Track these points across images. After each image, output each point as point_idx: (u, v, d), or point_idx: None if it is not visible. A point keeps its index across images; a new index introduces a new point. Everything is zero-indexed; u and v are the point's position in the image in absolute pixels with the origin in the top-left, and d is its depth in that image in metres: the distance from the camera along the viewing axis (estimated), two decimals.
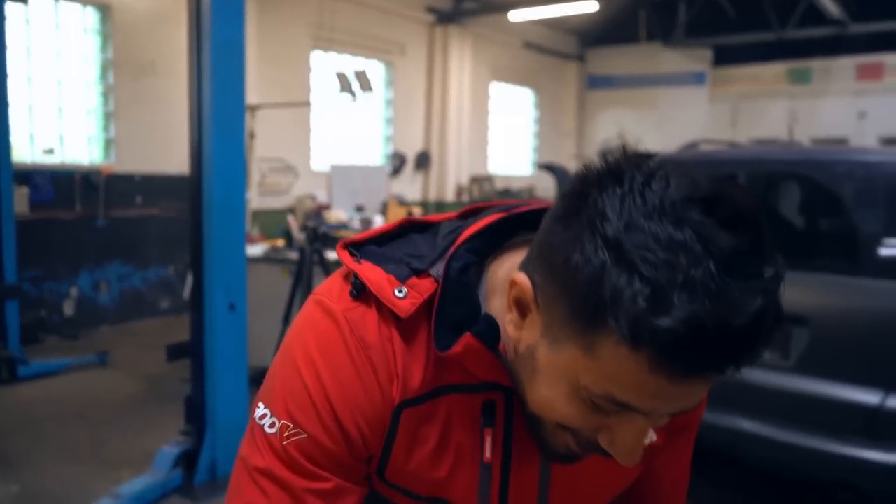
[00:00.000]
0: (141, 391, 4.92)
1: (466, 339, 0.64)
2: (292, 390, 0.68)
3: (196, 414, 3.48)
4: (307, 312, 0.72)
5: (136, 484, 3.25)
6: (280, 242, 5.77)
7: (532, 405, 0.63)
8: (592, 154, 11.79)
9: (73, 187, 6.29)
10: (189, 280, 3.61)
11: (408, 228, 0.75)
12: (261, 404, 0.70)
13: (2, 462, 3.65)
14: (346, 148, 9.58)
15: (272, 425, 0.68)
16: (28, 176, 5.89)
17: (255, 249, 5.29)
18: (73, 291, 6.44)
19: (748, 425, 2.80)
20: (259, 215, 7.15)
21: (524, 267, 0.62)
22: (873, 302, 2.62)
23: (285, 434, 0.67)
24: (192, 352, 3.53)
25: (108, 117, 6.70)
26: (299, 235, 5.62)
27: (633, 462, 0.61)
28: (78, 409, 4.47)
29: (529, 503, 0.75)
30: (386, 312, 0.68)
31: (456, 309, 0.67)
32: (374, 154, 10.17)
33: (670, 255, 0.49)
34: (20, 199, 5.63)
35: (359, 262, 0.70)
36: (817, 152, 3.12)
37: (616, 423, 0.59)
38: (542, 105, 12.91)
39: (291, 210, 8.05)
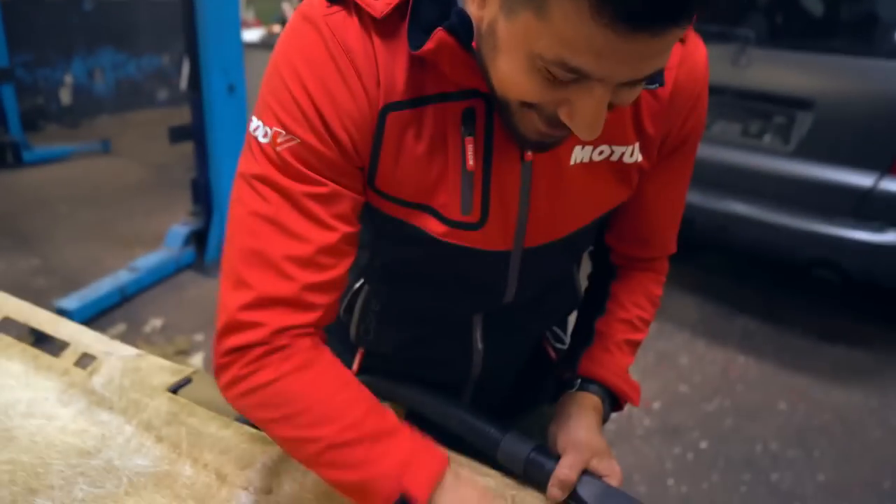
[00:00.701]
0: (147, 177, 4.99)
1: (438, 34, 0.63)
2: (281, 100, 0.68)
3: (203, 195, 3.56)
4: (290, 25, 0.71)
5: (152, 258, 3.41)
6: (276, 28, 5.56)
7: (495, 85, 0.63)
8: None
9: None
10: (185, 69, 3.51)
11: None
12: (254, 118, 0.71)
13: (19, 239, 3.80)
14: None
15: (265, 135, 0.69)
16: None
17: (251, 35, 5.10)
18: (68, 79, 6.29)
19: (741, 208, 2.88)
20: (253, 1, 6.80)
21: None
22: (884, 83, 2.57)
23: (278, 140, 0.68)
24: (194, 134, 3.53)
25: None
26: None
27: (594, 135, 0.61)
28: (87, 192, 4.57)
29: (510, 211, 0.76)
30: (365, 16, 0.67)
31: (431, 8, 0.65)
32: None
33: None
34: None
35: None
36: None
37: (575, 95, 0.58)
38: None
39: None
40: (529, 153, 0.73)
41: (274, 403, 0.72)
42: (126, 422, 0.93)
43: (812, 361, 2.92)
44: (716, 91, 2.96)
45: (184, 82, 3.70)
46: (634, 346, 0.97)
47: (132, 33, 6.67)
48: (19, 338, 1.13)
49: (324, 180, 0.70)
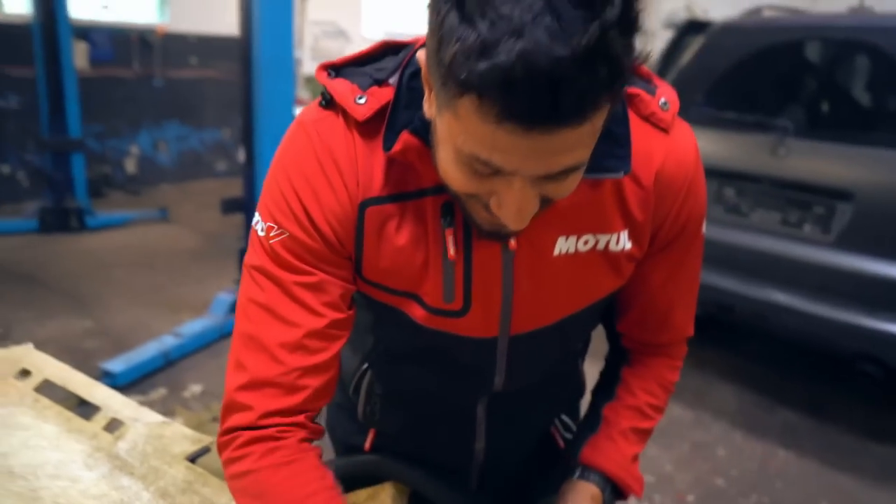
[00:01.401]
0: (200, 245, 5.18)
1: (404, 136, 0.70)
2: (274, 197, 0.76)
3: None
4: (287, 130, 0.80)
5: (196, 325, 3.52)
6: None
7: (440, 176, 0.69)
8: (656, 26, 11.16)
9: (130, 46, 6.37)
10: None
11: (386, 50, 0.80)
12: (256, 213, 0.79)
13: (76, 301, 3.97)
14: (401, 15, 9.32)
15: (262, 229, 0.77)
16: (86, 32, 5.97)
17: None
18: (135, 149, 6.66)
19: (781, 297, 2.84)
20: (311, 80, 7.14)
21: None
22: None
23: (271, 234, 0.76)
24: (244, 206, 3.69)
25: None
26: None
27: (520, 226, 0.65)
28: (142, 258, 4.77)
29: (493, 298, 0.79)
30: (350, 119, 0.75)
31: (405, 113, 0.72)
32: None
33: (510, 9, 0.51)
34: (80, 55, 5.74)
35: (332, 79, 0.76)
36: (885, 19, 2.95)
37: (499, 187, 0.63)
38: None
39: None
40: (513, 242, 0.76)
41: (251, 493, 0.76)
42: (144, 488, 0.98)
43: (857, 460, 2.80)
44: (754, 179, 3.00)
45: (241, 155, 3.91)
46: (642, 434, 0.97)
47: (197, 108, 7.06)
48: (65, 399, 1.20)
49: (312, 270, 0.76)
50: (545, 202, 0.65)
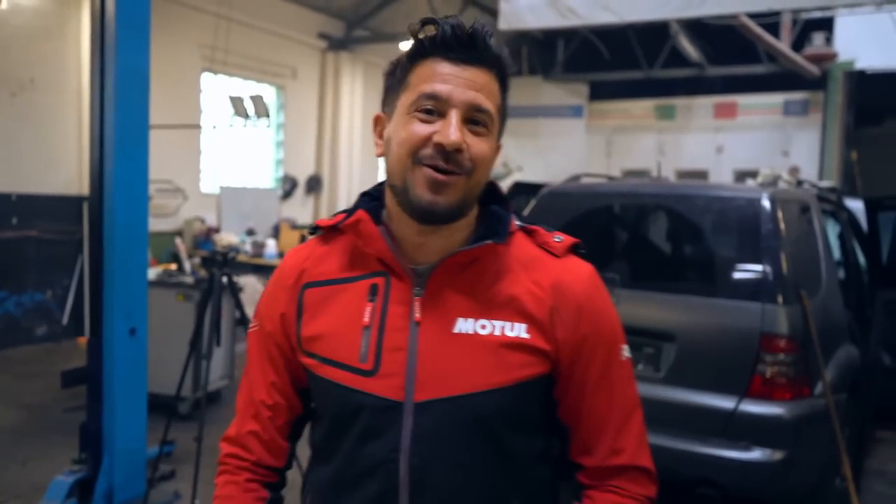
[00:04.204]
0: (22, 422, 4.69)
1: (359, 212, 0.99)
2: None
3: (92, 441, 3.41)
4: None
5: None
6: (173, 266, 5.69)
7: (394, 180, 0.96)
8: None
9: None
10: (69, 304, 3.51)
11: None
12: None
13: None
14: (236, 170, 9.48)
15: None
16: None
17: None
18: None
19: None
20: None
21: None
22: (728, 319, 3.01)
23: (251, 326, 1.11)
24: (89, 377, 3.46)
25: None
26: (189, 260, 5.56)
27: (454, 136, 0.90)
28: None
29: (399, 362, 0.95)
30: (320, 233, 1.07)
31: (363, 201, 1.04)
32: (265, 177, 10.12)
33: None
34: None
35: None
36: (681, 187, 3.54)
37: (440, 124, 0.92)
38: None
39: (179, 233, 7.89)
40: (418, 315, 0.96)
41: None
42: None
43: None
44: None
45: (66, 317, 3.68)
46: None
47: (16, 270, 6.57)
48: None
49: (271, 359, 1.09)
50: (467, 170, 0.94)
